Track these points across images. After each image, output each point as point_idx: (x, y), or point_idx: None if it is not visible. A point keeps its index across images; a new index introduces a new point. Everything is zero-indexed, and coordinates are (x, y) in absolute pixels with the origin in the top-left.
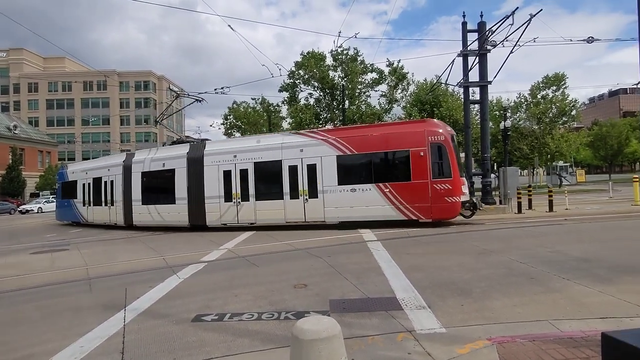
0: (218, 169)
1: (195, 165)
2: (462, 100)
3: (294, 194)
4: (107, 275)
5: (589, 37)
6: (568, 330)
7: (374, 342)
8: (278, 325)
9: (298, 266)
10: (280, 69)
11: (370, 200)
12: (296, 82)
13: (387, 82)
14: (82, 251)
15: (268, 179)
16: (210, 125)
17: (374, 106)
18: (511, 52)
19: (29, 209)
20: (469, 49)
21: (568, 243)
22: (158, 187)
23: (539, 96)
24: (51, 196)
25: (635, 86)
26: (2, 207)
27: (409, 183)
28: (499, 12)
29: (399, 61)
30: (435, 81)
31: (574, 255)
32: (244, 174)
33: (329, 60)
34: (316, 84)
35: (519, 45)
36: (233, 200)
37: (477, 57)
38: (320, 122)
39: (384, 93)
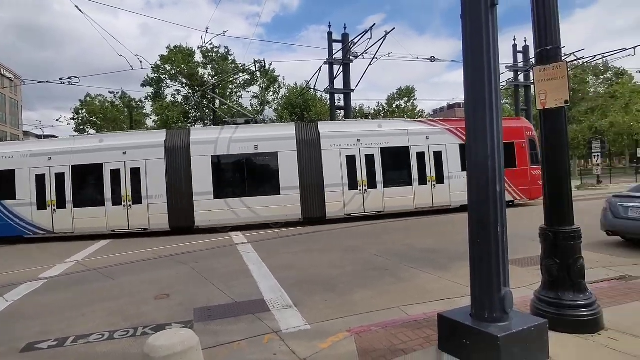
0: (340, 154)
1: (310, 149)
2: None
3: (423, 181)
4: None
5: (431, 57)
6: (414, 314)
7: (240, 347)
8: (134, 342)
9: (161, 275)
10: (141, 62)
11: None
12: (162, 77)
13: (259, 83)
14: None
15: (396, 166)
16: (57, 120)
17: (246, 107)
18: (370, 63)
19: None
20: (334, 58)
21: (418, 237)
22: (247, 174)
23: (394, 105)
24: None
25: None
26: None
27: (515, 169)
28: (362, 26)
29: (270, 64)
30: (304, 86)
31: (422, 247)
32: (370, 159)
33: (199, 57)
34: (184, 80)
35: (377, 58)
36: (358, 188)
37: (342, 66)
38: (189, 120)
39: (255, 95)
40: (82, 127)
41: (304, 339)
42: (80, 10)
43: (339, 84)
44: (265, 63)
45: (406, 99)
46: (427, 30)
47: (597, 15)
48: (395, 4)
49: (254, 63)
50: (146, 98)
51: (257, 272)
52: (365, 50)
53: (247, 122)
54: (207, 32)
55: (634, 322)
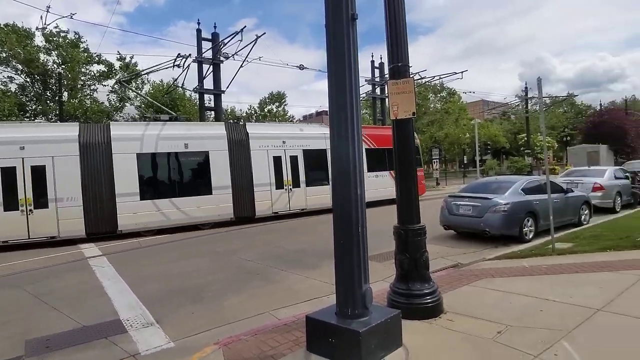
0: (267, 154)
1: (240, 149)
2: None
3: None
4: None
5: (300, 65)
6: (284, 317)
7: None
8: None
9: None
10: None
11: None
12: None
13: (118, 77)
14: None
15: (316, 166)
16: None
17: (102, 102)
18: (241, 65)
19: None
20: (204, 57)
21: (289, 238)
22: (177, 174)
23: (265, 110)
24: None
25: None
26: None
27: None
28: (233, 28)
29: (132, 57)
30: (171, 84)
31: (291, 249)
32: (294, 160)
33: (40, 41)
34: (20, 66)
35: (248, 60)
36: (284, 187)
37: (212, 66)
38: (27, 114)
39: (114, 89)
40: None
41: (166, 359)
42: None
43: (208, 84)
44: (129, 58)
45: (277, 103)
46: (297, 39)
47: (436, 43)
48: (267, 10)
49: (119, 58)
50: None
51: (112, 289)
52: (236, 52)
53: (171, 119)
54: (48, 11)
55: (465, 304)
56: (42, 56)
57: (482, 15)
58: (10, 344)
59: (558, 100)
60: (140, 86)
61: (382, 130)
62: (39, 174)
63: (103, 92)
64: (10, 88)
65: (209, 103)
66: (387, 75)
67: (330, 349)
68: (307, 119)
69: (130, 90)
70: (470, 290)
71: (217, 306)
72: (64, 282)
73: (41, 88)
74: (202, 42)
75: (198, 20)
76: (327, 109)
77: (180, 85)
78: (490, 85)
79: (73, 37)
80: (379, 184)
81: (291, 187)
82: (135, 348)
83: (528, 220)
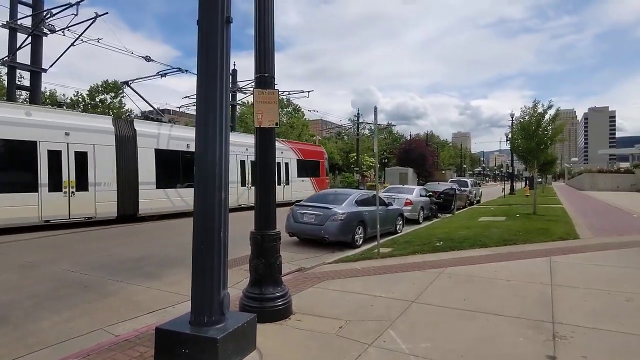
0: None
1: None
2: (5, 82)
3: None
4: None
5: (147, 56)
6: (123, 333)
7: None
8: None
9: None
10: None
11: None
12: None
13: None
14: None
15: None
16: None
17: None
18: (72, 43)
19: None
20: (20, 23)
21: (121, 246)
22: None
23: (97, 99)
24: None
25: (177, 109)
26: None
27: (319, 178)
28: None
29: None
30: None
31: (130, 256)
32: None
33: None
34: None
35: (82, 40)
36: None
37: (31, 37)
38: None
39: None
40: None
41: None
42: None
43: (23, 58)
44: None
45: (113, 94)
46: (140, 28)
47: (283, 60)
48: None
49: None
50: None
51: None
52: (67, 27)
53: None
54: None
55: (310, 304)
56: None
57: (325, 43)
58: None
59: (381, 127)
60: None
61: (307, 146)
62: (82, 159)
63: None
64: None
65: (21, 81)
66: (239, 84)
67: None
68: (147, 113)
69: None
70: (314, 291)
71: (33, 328)
72: None
73: None
74: (19, 5)
75: None
76: (170, 108)
77: None
78: (328, 107)
79: None
80: (304, 187)
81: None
82: None
83: (359, 229)
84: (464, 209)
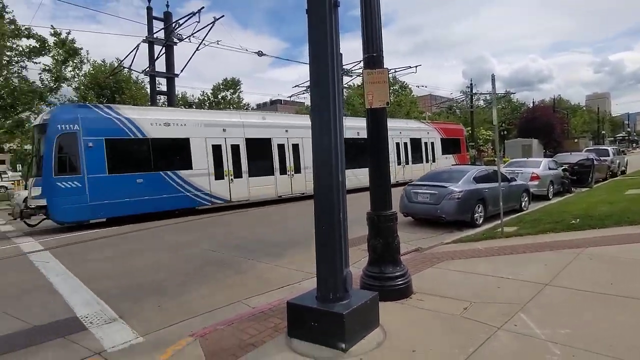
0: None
1: None
2: (147, 89)
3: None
4: None
5: (259, 51)
6: (258, 305)
7: None
8: None
9: None
10: None
11: None
12: None
13: (52, 54)
14: None
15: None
16: None
17: (34, 82)
18: (197, 48)
19: None
20: (155, 36)
21: (244, 229)
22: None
23: (219, 96)
24: None
25: (288, 98)
26: None
27: (460, 154)
28: (182, 10)
29: (68, 32)
30: (117, 65)
31: (252, 239)
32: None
33: None
34: None
35: (205, 44)
36: None
37: (164, 48)
38: None
39: (48, 67)
40: None
41: (137, 354)
42: None
43: (160, 67)
44: (65, 34)
45: (232, 90)
46: (250, 25)
47: (387, 37)
48: None
49: (53, 33)
50: None
51: (63, 285)
52: (192, 34)
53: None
54: None
55: (431, 284)
56: None
57: (430, 14)
58: None
59: (498, 96)
60: (79, 65)
61: (448, 125)
62: (296, 149)
63: (34, 70)
64: None
65: (159, 87)
66: (345, 66)
67: (313, 332)
68: (262, 107)
69: (69, 69)
70: (434, 271)
71: (185, 299)
72: (4, 281)
73: None
74: (154, 21)
75: None
76: (282, 98)
77: (129, 67)
78: (437, 80)
79: None
80: (448, 164)
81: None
82: (99, 345)
83: (479, 207)
84: (605, 182)
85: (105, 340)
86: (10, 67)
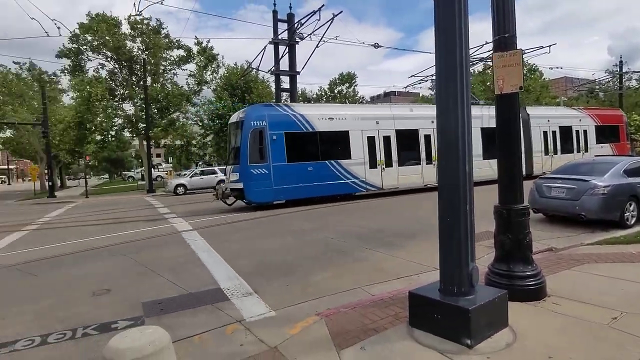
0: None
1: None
2: (272, 87)
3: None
4: None
5: (375, 43)
6: (377, 293)
7: (203, 340)
8: (74, 346)
9: (97, 269)
10: (59, 28)
11: None
12: (81, 48)
13: (196, 61)
14: None
15: None
16: None
17: (182, 86)
18: (317, 46)
19: None
20: (281, 38)
21: (369, 218)
22: None
23: (335, 91)
24: None
25: (404, 89)
26: None
27: (619, 143)
28: (301, 10)
29: (208, 41)
30: (246, 67)
31: (372, 228)
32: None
33: (126, 29)
34: (109, 53)
35: (324, 40)
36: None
37: (287, 47)
38: (117, 98)
39: (192, 73)
40: None
41: (271, 326)
42: None
43: (282, 65)
44: (205, 43)
45: (347, 84)
46: (365, 19)
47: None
48: None
49: (196, 43)
50: (62, 71)
51: (208, 260)
52: (313, 32)
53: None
54: None
55: (569, 288)
56: (129, 43)
57: None
58: (128, 306)
59: None
60: (216, 69)
61: (605, 111)
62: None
63: (182, 76)
64: (101, 74)
65: (282, 84)
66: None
67: (435, 325)
68: (375, 100)
69: (208, 74)
70: (573, 274)
71: (309, 280)
72: (164, 253)
73: (127, 73)
74: (278, 23)
75: (274, 1)
76: (396, 90)
77: (257, 68)
78: (574, 60)
79: (155, 24)
80: (602, 152)
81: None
82: (239, 315)
83: (630, 205)
84: None
85: (244, 311)
86: (165, 75)
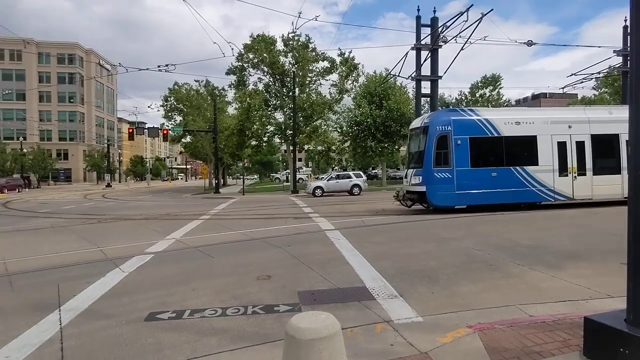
0: None
1: None
2: (409, 94)
3: None
4: (32, 270)
5: (528, 40)
6: (537, 314)
7: (354, 334)
8: (246, 321)
9: (258, 257)
10: (232, 49)
11: None
12: (245, 65)
13: (338, 72)
14: None
15: None
16: (149, 107)
17: (325, 95)
18: (462, 48)
19: None
20: (423, 43)
21: (516, 231)
22: None
23: (477, 94)
24: None
25: (561, 90)
26: None
27: None
28: (441, 13)
29: (350, 52)
30: (385, 74)
31: (522, 243)
32: None
33: (280, 46)
34: (266, 68)
35: (470, 42)
36: None
37: (430, 52)
38: (270, 108)
39: (334, 83)
40: (170, 114)
41: (419, 331)
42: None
43: (423, 71)
44: (347, 53)
45: (491, 87)
46: (512, 16)
47: None
48: None
49: (340, 54)
50: (229, 86)
51: (352, 260)
52: (459, 34)
53: None
54: (299, 16)
55: None
56: (281, 59)
57: None
58: (285, 293)
59: None
60: (357, 78)
61: None
62: None
63: (324, 86)
64: (259, 87)
65: (423, 90)
66: None
67: (620, 359)
68: (521, 103)
69: (348, 83)
70: None
71: (454, 291)
72: (311, 248)
73: (280, 86)
74: (421, 28)
75: (418, 7)
76: (547, 91)
77: (397, 74)
78: None
79: (304, 40)
80: None
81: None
82: (386, 315)
83: None
84: None
85: (390, 312)
86: (310, 85)
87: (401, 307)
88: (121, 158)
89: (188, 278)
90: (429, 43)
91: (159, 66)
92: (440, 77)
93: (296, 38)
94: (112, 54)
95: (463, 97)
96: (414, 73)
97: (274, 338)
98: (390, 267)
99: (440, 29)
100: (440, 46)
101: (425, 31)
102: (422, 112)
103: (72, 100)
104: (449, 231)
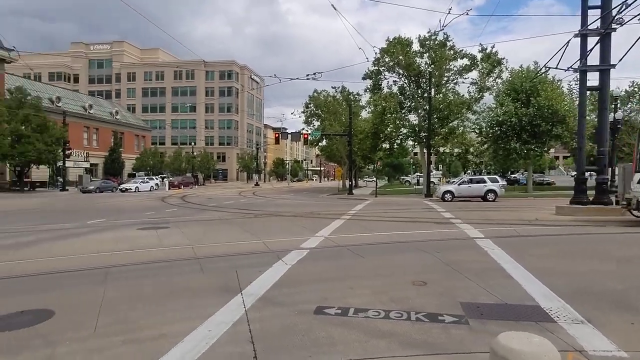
0: None
1: None
2: (563, 88)
3: None
4: (214, 256)
5: None
6: None
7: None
8: (412, 327)
9: (408, 260)
10: (375, 52)
11: None
12: (380, 69)
13: (479, 69)
14: (182, 230)
15: None
16: (291, 114)
17: (463, 95)
18: None
19: (127, 187)
20: (590, 28)
21: None
22: None
23: None
24: (146, 177)
25: None
26: (106, 185)
27: None
28: None
29: (492, 46)
30: (538, 68)
31: None
32: None
33: (416, 46)
34: (401, 71)
35: None
36: None
37: (600, 38)
38: (404, 110)
39: (474, 81)
40: (309, 119)
41: None
42: (334, 8)
43: (587, 61)
44: (490, 48)
45: None
46: None
47: None
48: None
49: (481, 50)
50: (365, 90)
51: (514, 272)
52: None
53: None
54: (449, 12)
55: None
56: (417, 60)
57: None
58: (445, 302)
59: None
60: (500, 74)
61: None
62: None
63: (463, 85)
64: (393, 90)
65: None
66: None
67: None
68: None
69: (490, 80)
70: None
71: None
72: (462, 256)
73: (415, 87)
74: (588, 10)
75: None
76: None
77: (555, 67)
78: None
79: (442, 38)
80: None
81: None
82: (576, 343)
83: None
84: None
85: (580, 340)
86: (447, 85)
87: (593, 336)
88: (266, 160)
89: (343, 275)
90: (599, 27)
91: (307, 75)
92: (614, 66)
93: (433, 38)
94: (258, 69)
95: (637, 89)
96: (577, 63)
97: (444, 349)
98: (564, 286)
99: (618, 8)
100: (615, 29)
101: (592, 14)
102: (585, 107)
103: (229, 110)
104: (623, 248)
